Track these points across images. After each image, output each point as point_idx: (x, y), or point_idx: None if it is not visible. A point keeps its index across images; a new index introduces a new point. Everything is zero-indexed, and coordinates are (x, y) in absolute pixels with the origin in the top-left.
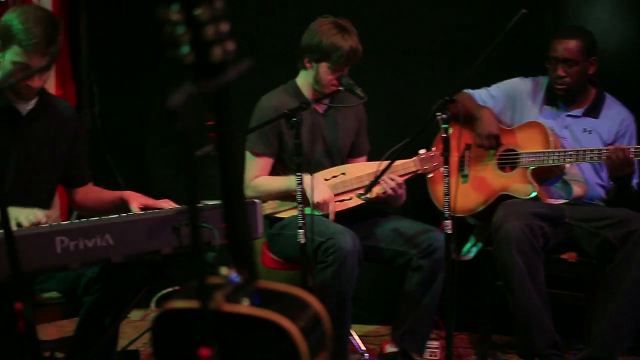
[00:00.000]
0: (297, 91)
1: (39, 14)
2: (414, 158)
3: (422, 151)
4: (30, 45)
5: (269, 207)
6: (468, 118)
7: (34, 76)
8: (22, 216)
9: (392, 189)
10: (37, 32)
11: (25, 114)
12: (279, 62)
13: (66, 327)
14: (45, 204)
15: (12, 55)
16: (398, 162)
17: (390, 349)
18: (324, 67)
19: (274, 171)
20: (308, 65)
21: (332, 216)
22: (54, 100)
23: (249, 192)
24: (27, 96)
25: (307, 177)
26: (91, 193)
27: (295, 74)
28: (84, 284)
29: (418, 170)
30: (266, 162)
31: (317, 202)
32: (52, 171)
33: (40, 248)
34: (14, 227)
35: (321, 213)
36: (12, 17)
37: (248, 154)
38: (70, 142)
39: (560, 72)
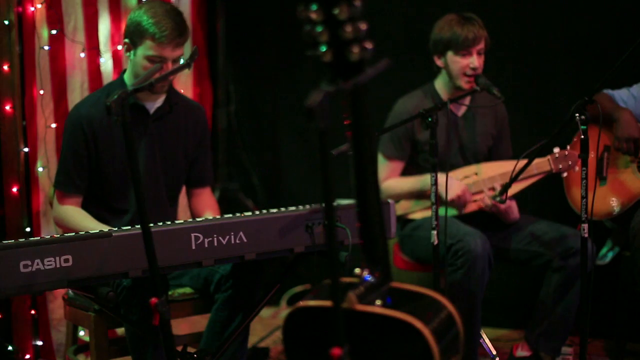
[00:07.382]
0: (434, 93)
1: (166, 7)
2: (548, 157)
3: (556, 150)
4: (163, 37)
5: (402, 208)
6: (607, 119)
7: (176, 73)
8: None
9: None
10: (167, 24)
11: (152, 112)
12: (420, 63)
13: (198, 323)
14: (170, 202)
15: (145, 50)
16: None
17: (521, 353)
18: (450, 56)
19: (406, 173)
20: (438, 62)
21: (466, 207)
22: (182, 99)
23: None
24: (162, 89)
25: (440, 177)
26: (208, 199)
27: (434, 75)
28: (217, 281)
29: (552, 169)
30: (396, 166)
31: (452, 199)
32: (177, 169)
33: (175, 244)
34: None
35: (455, 211)
36: (140, 14)
37: (379, 157)
38: (196, 140)
39: None
